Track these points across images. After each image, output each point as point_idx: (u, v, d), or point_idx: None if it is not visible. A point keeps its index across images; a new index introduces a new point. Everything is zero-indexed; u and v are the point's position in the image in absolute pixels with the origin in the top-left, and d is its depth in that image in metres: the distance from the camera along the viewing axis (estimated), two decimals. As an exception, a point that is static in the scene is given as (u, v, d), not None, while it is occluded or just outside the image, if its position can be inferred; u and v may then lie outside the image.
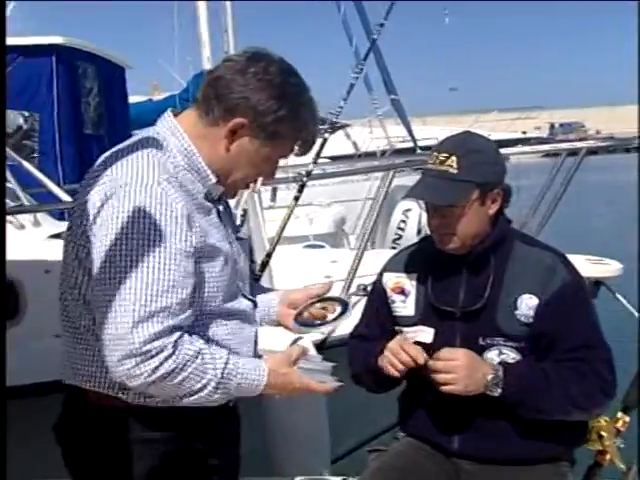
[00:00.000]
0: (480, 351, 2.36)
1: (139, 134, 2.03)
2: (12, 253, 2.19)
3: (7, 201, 4.40)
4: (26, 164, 5.36)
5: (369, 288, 2.86)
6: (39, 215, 4.48)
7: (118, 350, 1.77)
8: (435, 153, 2.40)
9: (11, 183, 4.62)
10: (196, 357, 1.82)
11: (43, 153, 6.90)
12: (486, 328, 2.38)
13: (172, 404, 1.88)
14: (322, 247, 7.14)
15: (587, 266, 5.04)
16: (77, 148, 7.26)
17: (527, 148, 12.96)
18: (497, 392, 2.29)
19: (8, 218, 4.04)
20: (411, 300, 2.51)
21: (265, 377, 1.92)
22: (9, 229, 4.00)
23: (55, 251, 2.12)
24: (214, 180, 1.98)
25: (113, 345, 1.77)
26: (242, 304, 2.06)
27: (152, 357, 1.76)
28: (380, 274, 2.64)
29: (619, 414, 2.63)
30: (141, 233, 1.79)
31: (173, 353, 1.79)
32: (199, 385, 1.83)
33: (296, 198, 3.17)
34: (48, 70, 6.83)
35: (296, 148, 2.03)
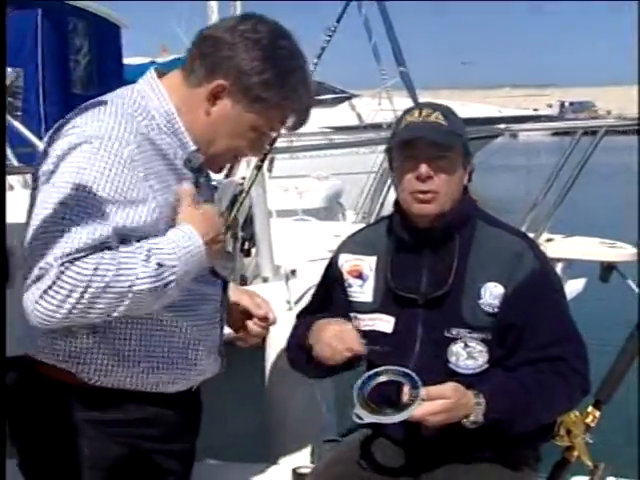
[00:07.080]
0: (445, 344, 2.23)
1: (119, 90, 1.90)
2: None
3: None
4: (16, 124, 5.29)
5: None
6: (28, 176, 4.42)
7: (49, 273, 1.59)
8: (415, 110, 2.27)
9: None
10: (123, 245, 1.67)
11: (26, 111, 6.74)
12: (450, 317, 2.23)
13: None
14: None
15: (600, 249, 4.99)
16: (63, 107, 6.78)
17: (540, 125, 12.84)
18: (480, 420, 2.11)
19: None
20: (369, 285, 2.35)
21: (190, 225, 1.76)
22: None
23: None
24: (193, 147, 1.85)
25: (45, 274, 1.59)
26: (208, 280, 1.93)
27: (86, 255, 1.60)
28: (335, 254, 2.46)
29: (589, 409, 2.49)
30: (95, 189, 1.66)
31: (102, 249, 1.62)
32: (139, 261, 1.65)
33: (257, 167, 3.04)
34: (33, 24, 6.51)
35: (289, 120, 1.90)
